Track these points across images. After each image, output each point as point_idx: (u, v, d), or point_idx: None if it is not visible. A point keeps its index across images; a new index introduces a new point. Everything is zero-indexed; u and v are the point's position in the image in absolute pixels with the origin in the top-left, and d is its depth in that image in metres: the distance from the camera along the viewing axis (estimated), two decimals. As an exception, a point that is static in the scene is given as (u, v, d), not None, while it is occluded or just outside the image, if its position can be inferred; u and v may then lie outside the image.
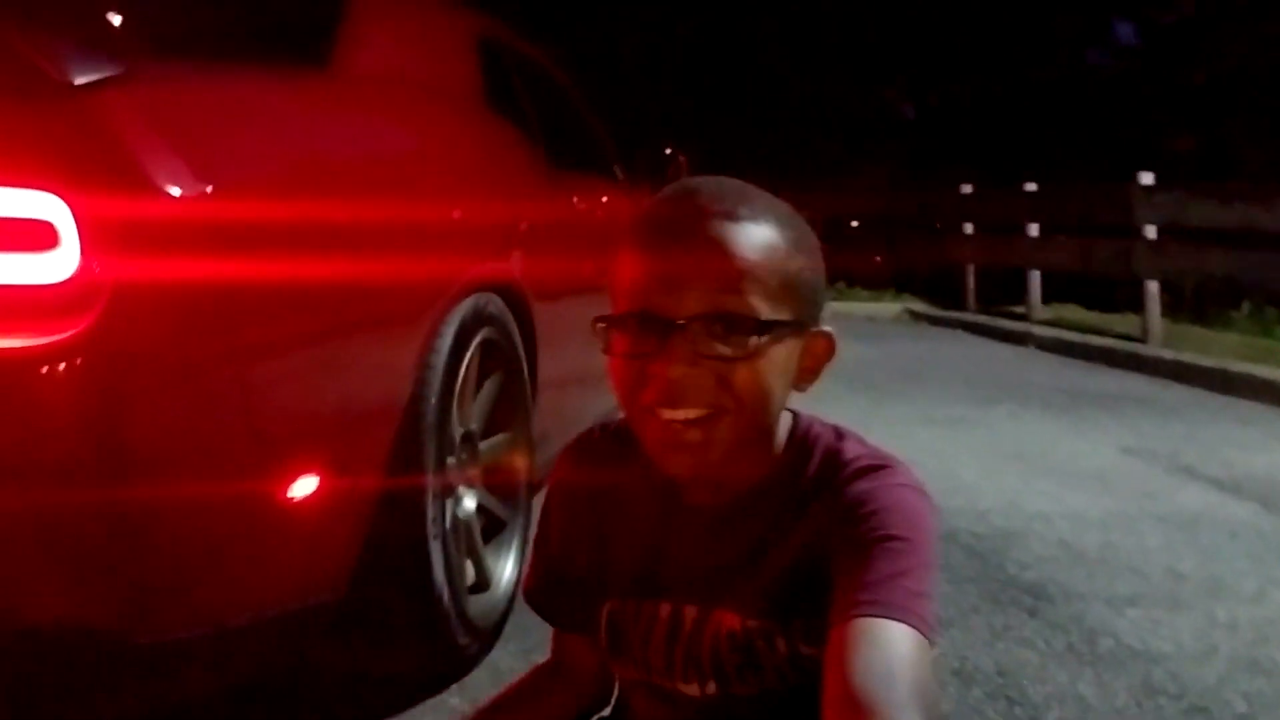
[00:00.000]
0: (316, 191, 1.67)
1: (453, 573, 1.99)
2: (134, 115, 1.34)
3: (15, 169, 1.23)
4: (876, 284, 11.25)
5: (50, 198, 1.23)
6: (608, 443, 1.11)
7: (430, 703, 1.98)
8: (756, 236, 0.94)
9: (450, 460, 2.06)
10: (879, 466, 0.98)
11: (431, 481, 1.89)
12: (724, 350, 0.92)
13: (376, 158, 1.92)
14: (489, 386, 2.29)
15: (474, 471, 2.23)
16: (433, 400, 1.89)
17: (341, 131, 1.86)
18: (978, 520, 3.30)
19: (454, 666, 2.06)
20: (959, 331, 9.14)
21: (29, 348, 1.20)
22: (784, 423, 1.03)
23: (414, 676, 2.03)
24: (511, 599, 2.30)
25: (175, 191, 1.35)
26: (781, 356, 0.95)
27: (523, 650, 2.18)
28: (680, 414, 0.93)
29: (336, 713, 1.96)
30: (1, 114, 1.25)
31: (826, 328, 1.00)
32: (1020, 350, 7.99)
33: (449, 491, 2.07)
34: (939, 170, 12.85)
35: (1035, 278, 9.22)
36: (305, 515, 1.59)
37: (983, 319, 9.35)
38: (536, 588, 1.16)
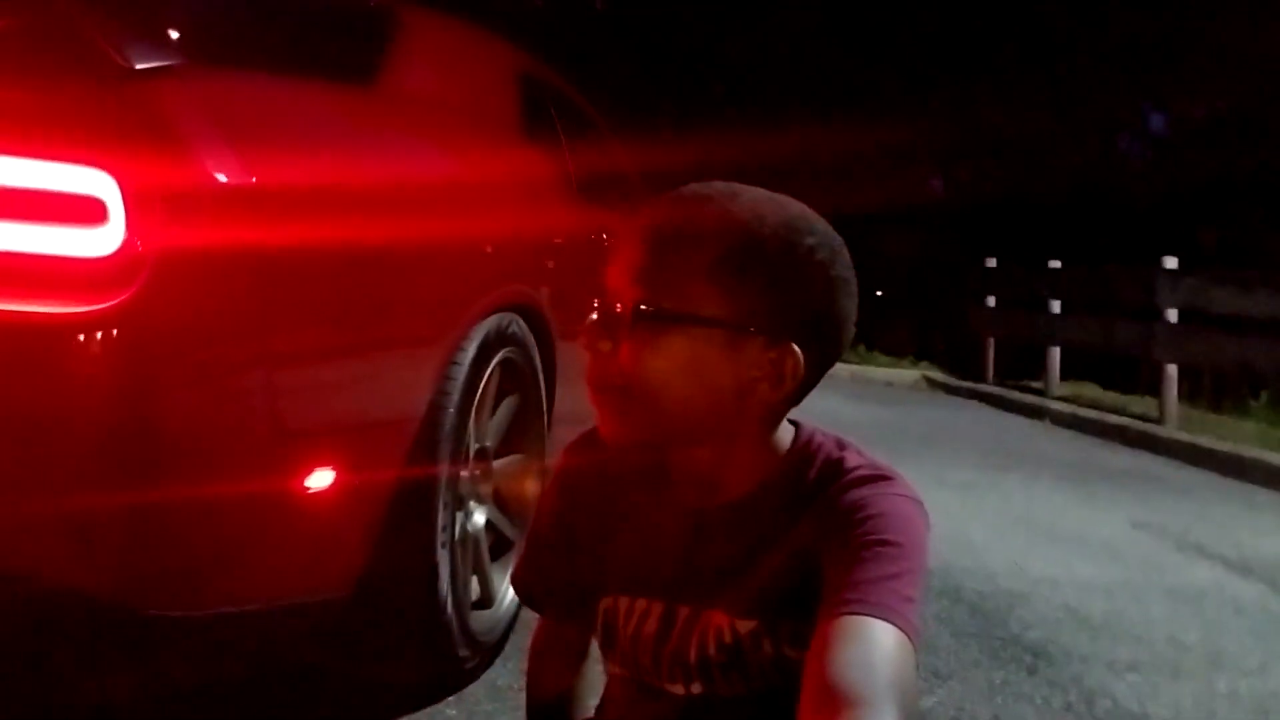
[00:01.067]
0: (355, 200, 1.72)
1: (458, 584, 2.01)
2: (188, 105, 1.40)
3: (71, 145, 1.28)
4: (896, 350, 11.29)
5: (101, 174, 1.28)
6: None
7: (427, 711, 1.99)
8: (687, 231, 0.97)
9: (464, 473, 2.09)
10: (877, 477, 0.99)
11: (444, 491, 1.92)
12: (614, 333, 0.97)
13: (414, 174, 1.98)
14: (506, 406, 2.32)
15: (486, 488, 2.26)
16: (450, 411, 1.92)
17: (382, 145, 1.92)
18: (984, 580, 3.30)
19: (453, 678, 2.07)
20: (975, 402, 9.12)
21: (70, 315, 1.25)
22: (786, 431, 1.05)
23: (413, 684, 2.04)
24: (514, 617, 2.32)
25: (221, 181, 1.41)
26: (681, 350, 0.96)
27: (522, 670, 2.18)
28: (595, 389, 0.99)
29: (335, 714, 1.97)
30: (63, 92, 1.31)
31: (795, 347, 0.97)
32: (1035, 424, 7.97)
33: (460, 504, 2.10)
34: (965, 243, 12.91)
35: (1054, 354, 9.22)
36: (318, 508, 1.62)
37: (999, 390, 9.33)
38: (528, 574, 1.18)
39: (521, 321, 2.26)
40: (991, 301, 10.42)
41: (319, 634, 1.80)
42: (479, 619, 2.18)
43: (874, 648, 0.85)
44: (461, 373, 1.96)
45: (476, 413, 2.12)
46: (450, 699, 2.05)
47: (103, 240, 1.29)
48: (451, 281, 1.96)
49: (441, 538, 1.92)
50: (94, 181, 1.29)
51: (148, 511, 1.33)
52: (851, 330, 1.04)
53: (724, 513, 1.04)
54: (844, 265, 1.01)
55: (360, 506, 1.74)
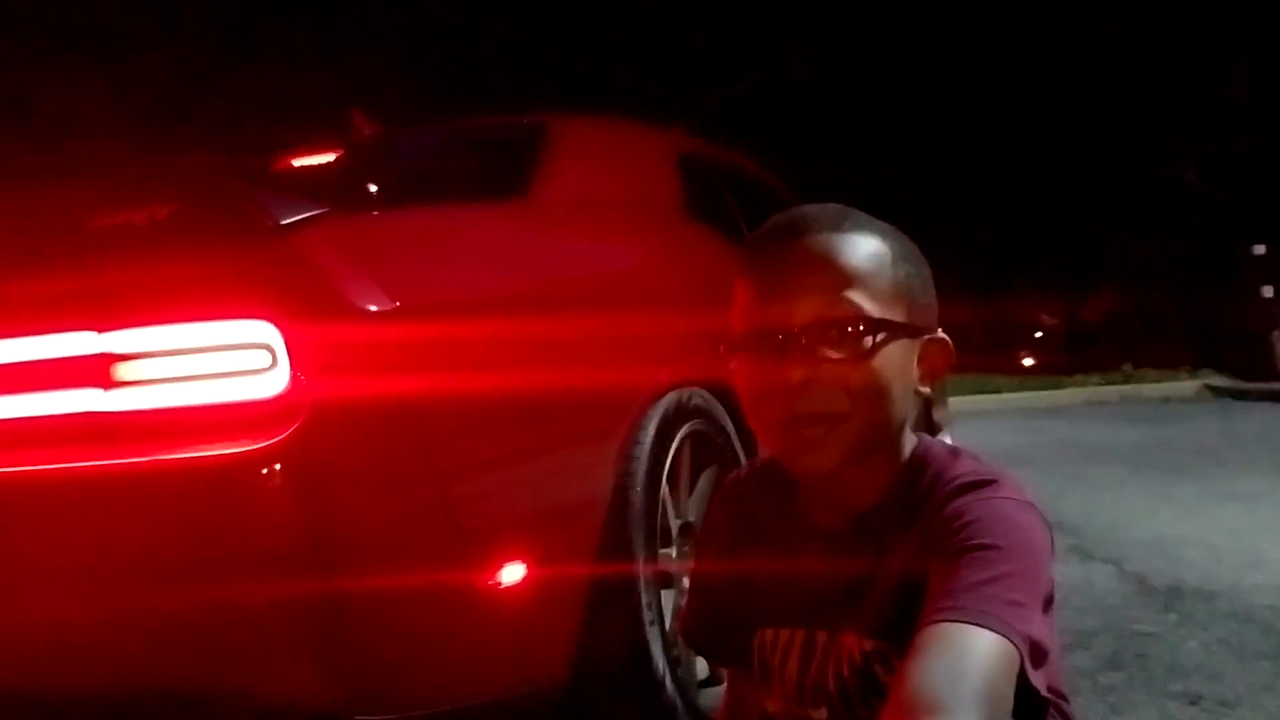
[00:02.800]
0: (510, 309, 1.82)
1: (675, 663, 2.03)
2: (334, 248, 1.54)
3: (235, 303, 1.44)
4: (1169, 362, 10.45)
5: (263, 325, 1.43)
6: (752, 480, 1.17)
7: (665, 794, 1.99)
8: (861, 245, 1.00)
9: (668, 551, 2.12)
10: (982, 482, 0.97)
11: (643, 570, 1.95)
12: (840, 353, 0.97)
13: (570, 274, 2.07)
14: (706, 478, 2.34)
15: (697, 564, 2.27)
16: (638, 490, 1.96)
17: (536, 252, 2.03)
18: (1278, 596, 2.98)
19: (687, 758, 2.07)
20: (1267, 404, 8.30)
21: (247, 453, 1.39)
22: (908, 443, 1.05)
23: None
24: (746, 691, 2.29)
25: (374, 313, 1.53)
26: (897, 357, 0.99)
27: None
28: (805, 417, 0.97)
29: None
30: (222, 258, 1.48)
31: (942, 334, 1.04)
32: (1344, 418, 7.16)
33: (668, 581, 2.12)
34: (1227, 234, 11.89)
35: (1355, 335, 8.28)
36: (514, 603, 1.69)
37: (1295, 388, 8.46)
38: (692, 623, 1.22)
39: (705, 394, 2.29)
40: (1269, 292, 9.53)
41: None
42: (708, 696, 2.17)
43: (962, 654, 0.82)
44: (644, 452, 2.00)
45: (671, 489, 2.15)
46: (690, 778, 2.04)
47: (271, 383, 1.43)
48: (618, 369, 2.01)
49: (648, 616, 1.94)
50: (258, 332, 1.44)
51: (344, 623, 1.44)
52: None
53: (848, 531, 1.05)
54: None
55: (559, 595, 1.80)
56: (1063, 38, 14.64)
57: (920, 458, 1.04)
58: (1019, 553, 0.90)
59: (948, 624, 0.84)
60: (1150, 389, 9.49)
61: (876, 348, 0.96)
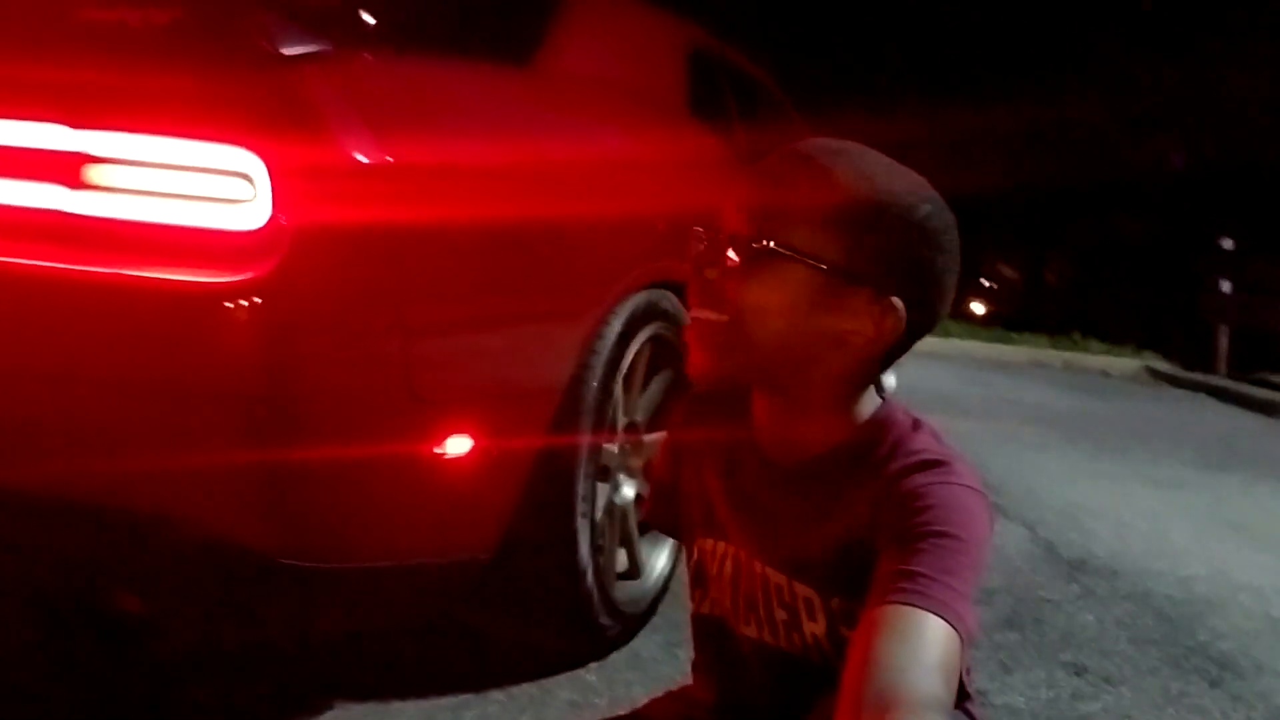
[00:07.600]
0: (495, 178, 1.77)
1: (599, 554, 2.06)
2: (331, 89, 1.48)
3: (223, 127, 1.39)
4: (1116, 337, 10.62)
5: (250, 155, 1.38)
6: (720, 393, 1.16)
7: (567, 675, 2.04)
8: (824, 182, 0.97)
9: (610, 447, 2.13)
10: (939, 462, 0.97)
11: (585, 463, 1.96)
12: (726, 262, 0.98)
13: (560, 152, 2.01)
14: (659, 382, 2.35)
15: (636, 462, 2.29)
16: (593, 384, 1.96)
17: (528, 124, 1.97)
18: (1177, 585, 3.10)
19: (595, 646, 2.12)
20: (1203, 396, 8.49)
21: (220, 284, 1.35)
22: (870, 402, 1.05)
23: (556, 647, 2.10)
24: (663, 590, 2.35)
25: (361, 160, 1.48)
26: (787, 287, 0.97)
27: (668, 643, 2.22)
28: (692, 313, 1.01)
29: (475, 668, 2.04)
30: (217, 79, 1.41)
31: (897, 301, 0.98)
32: (1270, 421, 7.35)
33: (605, 475, 2.14)
34: (1202, 222, 11.98)
35: (1298, 345, 8.46)
36: (455, 473, 1.69)
37: (1231, 384, 8.65)
38: (654, 508, 1.26)
39: (675, 298, 2.27)
40: (1226, 286, 9.66)
41: (462, 591, 1.87)
42: (624, 589, 2.22)
43: (925, 644, 0.83)
44: (605, 347, 2.00)
45: (625, 387, 2.16)
46: (592, 665, 2.10)
47: (250, 215, 1.39)
48: (594, 258, 1.99)
49: (582, 508, 1.96)
50: (243, 161, 1.39)
51: (288, 467, 1.43)
52: (948, 305, 1.05)
53: (795, 471, 1.05)
54: (954, 238, 1.02)
55: (499, 473, 1.80)
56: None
57: (881, 421, 1.04)
58: (973, 546, 0.91)
59: (911, 608, 0.85)
60: (1094, 360, 9.66)
61: (750, 267, 0.96)
